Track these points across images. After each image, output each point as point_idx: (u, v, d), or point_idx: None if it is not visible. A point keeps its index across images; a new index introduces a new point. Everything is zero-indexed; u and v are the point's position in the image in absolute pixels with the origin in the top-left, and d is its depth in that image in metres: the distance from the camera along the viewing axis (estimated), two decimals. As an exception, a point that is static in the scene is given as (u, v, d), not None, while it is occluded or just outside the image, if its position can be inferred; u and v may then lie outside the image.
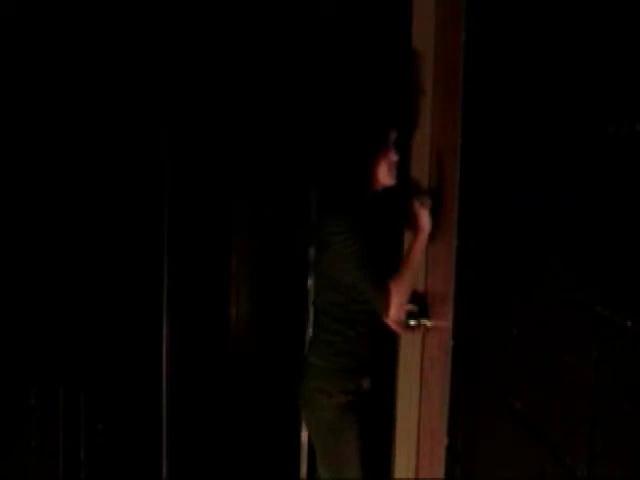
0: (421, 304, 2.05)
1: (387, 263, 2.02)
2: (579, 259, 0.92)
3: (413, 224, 1.98)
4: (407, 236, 2.13)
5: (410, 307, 2.05)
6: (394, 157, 1.97)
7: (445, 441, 1.69)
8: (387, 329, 2.07)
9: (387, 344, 2.26)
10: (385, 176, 1.98)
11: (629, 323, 0.76)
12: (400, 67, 2.15)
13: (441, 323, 1.84)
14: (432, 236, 1.95)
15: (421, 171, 2.10)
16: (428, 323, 2.00)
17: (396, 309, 1.92)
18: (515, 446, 1.17)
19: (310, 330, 2.54)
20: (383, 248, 2.08)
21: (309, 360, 2.09)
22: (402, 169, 2.09)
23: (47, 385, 1.45)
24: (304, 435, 2.73)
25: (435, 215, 1.93)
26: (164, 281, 2.70)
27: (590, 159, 0.89)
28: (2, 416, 1.20)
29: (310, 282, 2.71)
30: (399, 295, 1.92)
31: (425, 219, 1.93)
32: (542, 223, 1.07)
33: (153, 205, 2.59)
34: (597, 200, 0.86)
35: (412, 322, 2.02)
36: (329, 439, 2.03)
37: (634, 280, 0.76)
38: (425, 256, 2.04)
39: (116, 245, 2.08)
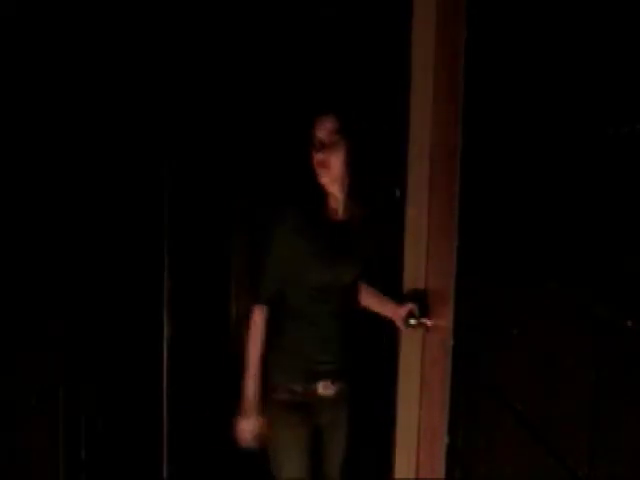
0: (421, 304, 2.05)
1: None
2: (579, 259, 0.92)
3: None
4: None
5: (410, 306, 2.05)
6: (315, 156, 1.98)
7: (445, 441, 1.69)
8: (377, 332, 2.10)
9: (387, 344, 2.26)
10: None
11: (629, 323, 0.76)
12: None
13: (441, 323, 1.84)
14: (432, 237, 1.96)
15: (421, 171, 2.10)
16: (428, 323, 2.00)
17: None
18: (515, 446, 1.17)
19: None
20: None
21: None
22: (401, 169, 2.09)
23: (47, 385, 1.45)
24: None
25: (436, 216, 1.93)
26: (164, 281, 2.71)
27: (590, 159, 0.89)
28: (2, 416, 1.20)
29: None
30: None
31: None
32: (542, 223, 1.07)
33: (153, 205, 2.59)
34: (597, 200, 0.86)
35: (412, 321, 2.02)
36: (270, 437, 2.03)
37: (634, 280, 0.76)
38: (425, 256, 2.05)
39: (116, 244, 2.08)
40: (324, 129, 1.97)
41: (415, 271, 2.14)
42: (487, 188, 1.42)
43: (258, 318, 2.03)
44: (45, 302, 1.45)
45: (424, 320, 2.01)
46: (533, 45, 1.14)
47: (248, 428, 2.00)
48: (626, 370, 0.78)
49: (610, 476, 0.82)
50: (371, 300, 2.22)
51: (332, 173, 1.99)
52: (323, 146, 1.96)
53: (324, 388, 2.04)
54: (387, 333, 2.22)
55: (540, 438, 1.04)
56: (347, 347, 2.09)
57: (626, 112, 0.79)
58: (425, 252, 2.04)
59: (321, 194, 2.04)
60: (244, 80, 2.80)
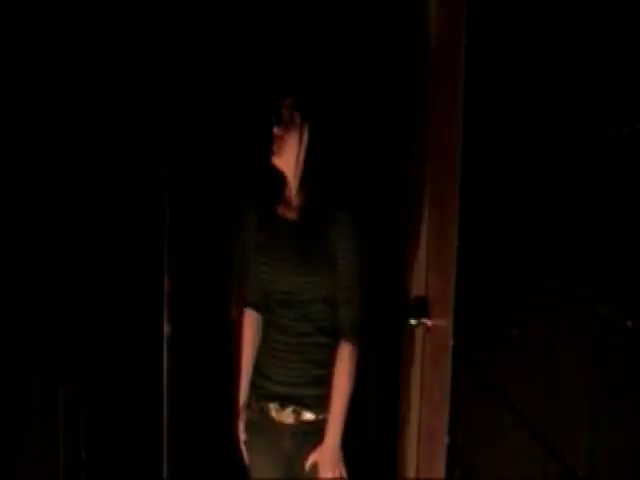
0: (421, 304, 2.05)
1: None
2: (579, 259, 0.92)
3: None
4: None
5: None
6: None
7: (445, 441, 1.69)
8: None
9: (387, 343, 2.26)
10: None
11: (629, 323, 0.76)
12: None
13: (441, 323, 1.84)
14: (433, 237, 1.96)
15: (421, 171, 2.10)
16: (428, 323, 2.00)
17: None
18: (515, 446, 1.17)
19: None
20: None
21: None
22: (401, 169, 2.09)
23: (47, 385, 1.45)
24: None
25: (436, 215, 1.93)
26: (164, 280, 2.70)
27: (590, 159, 0.89)
28: (2, 416, 1.20)
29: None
30: None
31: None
32: (542, 223, 1.07)
33: (153, 205, 2.59)
34: (597, 200, 0.86)
35: (412, 321, 2.02)
36: None
37: (634, 280, 0.76)
38: (426, 256, 2.04)
39: (117, 244, 2.08)
40: (285, 105, 1.86)
41: (415, 271, 2.14)
42: (487, 188, 1.42)
43: (244, 322, 1.97)
44: (45, 302, 1.45)
45: (424, 320, 2.01)
46: (533, 45, 1.14)
47: (238, 433, 1.95)
48: (626, 370, 0.78)
49: (610, 476, 0.82)
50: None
51: (288, 152, 1.83)
52: (280, 120, 1.84)
53: (275, 411, 1.86)
54: (387, 332, 2.21)
55: (540, 438, 1.04)
56: (315, 376, 1.84)
57: (626, 112, 0.79)
58: (425, 252, 2.04)
59: (278, 184, 1.90)
60: (245, 79, 2.80)
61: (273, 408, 1.86)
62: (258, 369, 1.91)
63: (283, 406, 1.84)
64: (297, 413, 1.84)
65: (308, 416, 1.84)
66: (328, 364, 1.84)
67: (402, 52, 2.14)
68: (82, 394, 1.71)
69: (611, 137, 0.82)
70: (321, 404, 1.84)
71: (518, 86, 1.21)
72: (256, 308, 1.97)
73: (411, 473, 2.17)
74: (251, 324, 1.97)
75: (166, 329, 2.73)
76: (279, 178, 1.90)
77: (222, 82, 2.80)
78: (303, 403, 1.84)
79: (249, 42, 2.77)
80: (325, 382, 1.84)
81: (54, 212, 1.48)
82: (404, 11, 2.13)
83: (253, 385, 1.92)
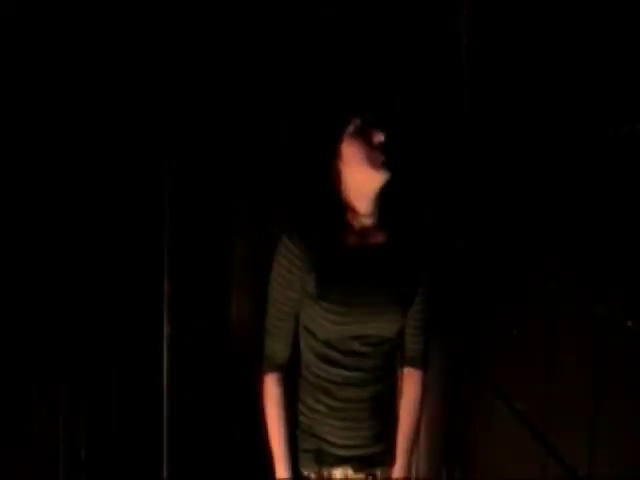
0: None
1: None
2: (579, 259, 0.91)
3: None
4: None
5: None
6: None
7: (445, 441, 1.69)
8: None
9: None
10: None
11: (629, 323, 0.76)
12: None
13: (441, 323, 1.84)
14: (433, 236, 1.96)
15: (422, 171, 2.09)
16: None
17: None
18: (515, 446, 1.17)
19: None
20: None
21: None
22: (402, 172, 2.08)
23: (47, 385, 1.45)
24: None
25: (436, 215, 1.93)
26: (164, 280, 2.70)
27: (590, 159, 0.89)
28: (2, 416, 1.20)
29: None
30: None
31: None
32: (543, 223, 1.07)
33: (153, 205, 2.59)
34: (597, 200, 0.86)
35: None
36: None
37: (634, 280, 0.76)
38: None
39: (117, 244, 2.08)
40: (384, 129, 1.43)
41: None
42: (488, 188, 1.42)
43: (271, 389, 1.58)
44: (45, 302, 1.45)
45: None
46: (534, 46, 1.14)
47: None
48: (626, 370, 0.78)
49: (610, 476, 0.82)
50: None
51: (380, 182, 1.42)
52: (382, 146, 1.41)
53: (344, 476, 1.56)
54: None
55: (540, 438, 1.04)
56: (384, 426, 1.56)
57: (626, 112, 0.79)
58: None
59: (342, 210, 1.50)
60: (245, 79, 2.80)
61: (341, 474, 1.57)
62: (311, 434, 1.58)
63: (355, 470, 1.56)
64: (372, 475, 1.57)
65: (383, 475, 1.59)
66: (394, 407, 1.60)
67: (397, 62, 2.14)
68: (82, 394, 1.70)
69: (611, 137, 0.82)
70: (393, 456, 1.61)
71: (519, 87, 1.21)
72: (283, 370, 1.61)
73: (411, 473, 2.17)
74: (281, 392, 1.60)
75: (166, 329, 2.73)
76: (332, 199, 1.52)
77: (222, 82, 2.80)
78: (376, 462, 1.58)
79: (252, 41, 2.77)
80: (392, 429, 1.61)
81: (54, 212, 1.47)
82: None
83: (305, 451, 1.59)
